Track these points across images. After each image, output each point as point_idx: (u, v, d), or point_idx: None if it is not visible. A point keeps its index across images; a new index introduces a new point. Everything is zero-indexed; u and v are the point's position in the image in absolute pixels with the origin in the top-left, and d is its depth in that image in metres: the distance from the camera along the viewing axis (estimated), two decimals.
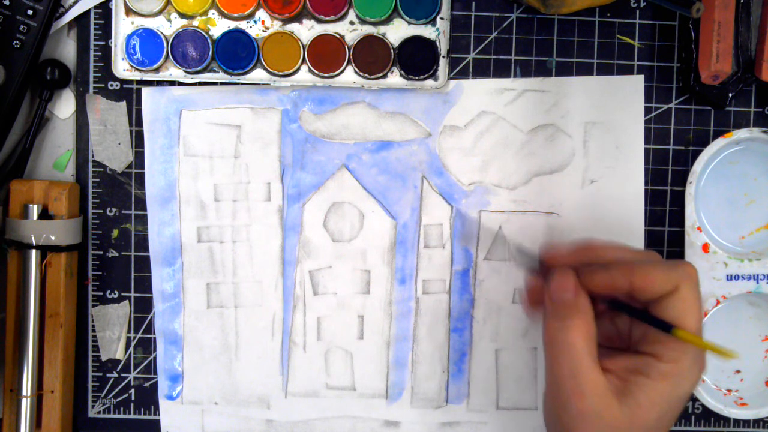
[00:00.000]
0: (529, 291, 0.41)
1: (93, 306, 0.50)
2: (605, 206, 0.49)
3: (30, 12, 0.45)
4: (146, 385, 0.51)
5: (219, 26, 0.47)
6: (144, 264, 0.50)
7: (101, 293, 0.50)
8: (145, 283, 0.50)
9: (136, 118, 0.49)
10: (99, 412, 0.51)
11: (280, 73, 0.47)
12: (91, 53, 0.48)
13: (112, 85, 0.49)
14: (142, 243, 0.50)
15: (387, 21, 0.47)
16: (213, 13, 0.47)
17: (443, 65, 0.48)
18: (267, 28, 0.47)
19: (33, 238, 0.46)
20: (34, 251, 0.46)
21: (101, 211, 0.49)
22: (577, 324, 0.36)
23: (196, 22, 0.47)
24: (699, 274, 0.36)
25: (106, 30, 0.48)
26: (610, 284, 0.36)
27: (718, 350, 0.35)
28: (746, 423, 0.51)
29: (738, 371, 0.51)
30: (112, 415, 0.51)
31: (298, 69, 0.47)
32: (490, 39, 0.49)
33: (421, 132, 0.49)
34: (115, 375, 0.50)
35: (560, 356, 0.36)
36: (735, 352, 0.35)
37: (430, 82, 0.48)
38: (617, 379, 0.36)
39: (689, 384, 0.36)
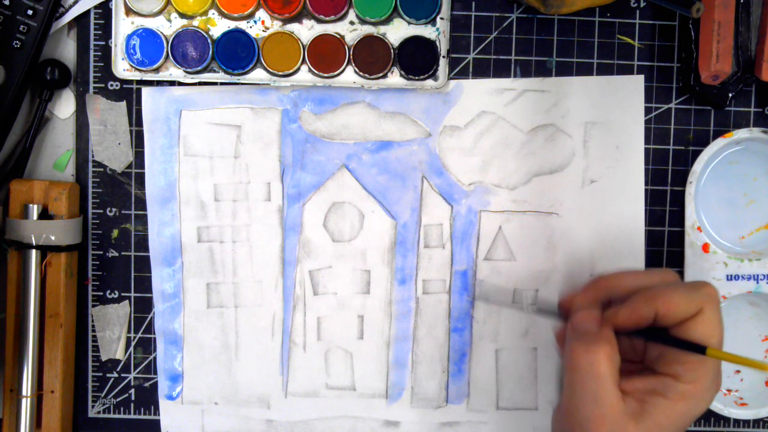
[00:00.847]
0: (559, 340, 0.41)
1: (93, 306, 0.50)
2: (605, 206, 0.49)
3: (30, 12, 0.45)
4: (146, 385, 0.51)
5: (219, 26, 0.47)
6: (144, 264, 0.50)
7: (101, 293, 0.50)
8: (145, 283, 0.50)
9: (136, 118, 0.49)
10: (99, 412, 0.51)
11: (280, 73, 0.47)
12: (91, 53, 0.48)
13: (112, 85, 0.49)
14: (142, 243, 0.50)
15: (387, 21, 0.47)
16: (213, 13, 0.47)
17: (443, 65, 0.48)
18: (267, 28, 0.47)
19: (33, 238, 0.46)
20: (34, 251, 0.46)
21: (101, 211, 0.49)
22: (603, 349, 0.36)
23: (196, 22, 0.47)
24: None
25: (106, 30, 0.48)
26: (636, 317, 0.36)
27: (755, 364, 0.35)
28: (746, 423, 0.51)
29: (738, 371, 0.51)
30: (112, 415, 0.51)
31: (298, 69, 0.47)
32: (490, 39, 0.49)
33: (421, 132, 0.49)
34: (115, 375, 0.50)
35: (584, 380, 0.36)
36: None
37: (430, 82, 0.48)
38: (635, 401, 0.36)
39: (706, 403, 0.36)
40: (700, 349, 0.35)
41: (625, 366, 0.38)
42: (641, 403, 0.36)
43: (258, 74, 0.48)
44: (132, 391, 0.51)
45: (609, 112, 0.49)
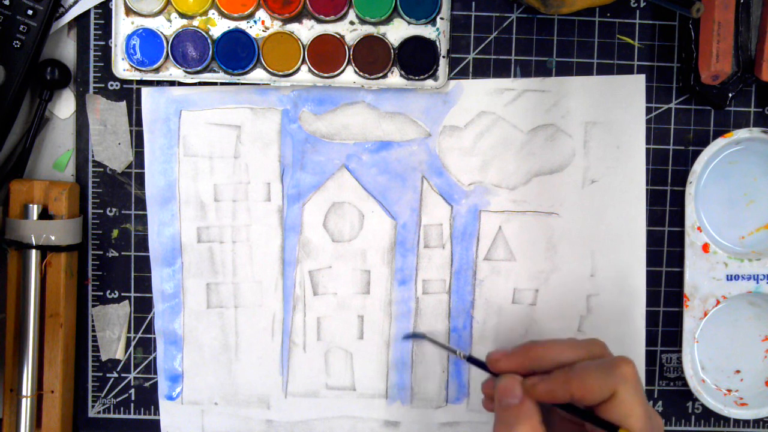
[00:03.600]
0: (486, 394, 0.42)
1: (93, 306, 0.50)
2: (606, 206, 0.49)
3: (30, 12, 0.45)
4: (146, 385, 0.51)
5: (219, 26, 0.47)
6: (144, 264, 0.50)
7: (101, 293, 0.50)
8: (145, 283, 0.50)
9: (136, 118, 0.49)
10: (99, 412, 0.51)
11: (280, 73, 0.47)
12: (91, 53, 0.48)
13: (112, 85, 0.49)
14: (142, 243, 0.50)
15: (387, 21, 0.47)
16: (213, 13, 0.47)
17: (443, 65, 0.48)
18: (267, 28, 0.47)
19: (33, 238, 0.46)
20: (34, 251, 0.46)
21: (101, 211, 0.49)
22: (523, 430, 0.37)
23: (196, 22, 0.47)
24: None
25: (106, 30, 0.48)
26: (552, 395, 0.37)
27: None
28: (746, 423, 0.51)
29: (738, 371, 0.51)
30: (112, 415, 0.51)
31: (298, 69, 0.47)
32: (490, 39, 0.49)
33: (421, 132, 0.49)
34: (115, 375, 0.50)
35: None
36: None
37: (430, 82, 0.48)
38: None
39: None
40: (614, 429, 0.36)
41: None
42: None
43: (258, 74, 0.48)
44: (132, 391, 0.51)
45: (609, 112, 0.49)
